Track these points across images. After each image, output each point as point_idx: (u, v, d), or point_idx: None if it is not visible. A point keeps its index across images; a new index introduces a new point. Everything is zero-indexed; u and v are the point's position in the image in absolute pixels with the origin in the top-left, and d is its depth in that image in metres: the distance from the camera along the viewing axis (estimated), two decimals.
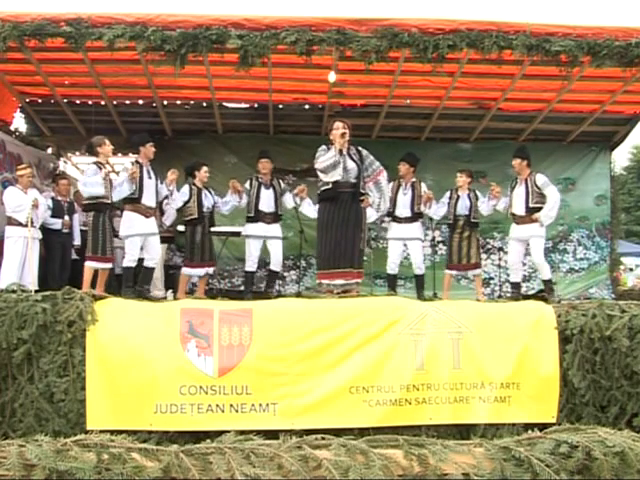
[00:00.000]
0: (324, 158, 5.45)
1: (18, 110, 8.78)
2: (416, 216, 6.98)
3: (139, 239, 6.07)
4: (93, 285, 5.80)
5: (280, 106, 8.83)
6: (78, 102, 8.66)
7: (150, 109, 8.76)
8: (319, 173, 5.52)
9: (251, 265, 6.87)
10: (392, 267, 6.95)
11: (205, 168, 6.85)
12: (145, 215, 6.09)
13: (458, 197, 7.04)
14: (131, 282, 6.12)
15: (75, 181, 10.28)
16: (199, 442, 2.89)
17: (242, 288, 8.53)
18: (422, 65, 6.24)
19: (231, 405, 4.35)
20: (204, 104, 8.76)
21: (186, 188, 6.66)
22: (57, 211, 7.25)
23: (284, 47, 5.84)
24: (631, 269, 16.61)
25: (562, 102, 8.35)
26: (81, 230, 8.01)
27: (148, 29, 5.65)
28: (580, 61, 6.06)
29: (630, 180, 26.25)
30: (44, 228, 6.93)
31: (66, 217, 7.40)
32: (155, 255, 6.27)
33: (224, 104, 8.81)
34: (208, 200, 6.79)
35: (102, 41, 5.70)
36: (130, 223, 6.04)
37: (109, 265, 6.02)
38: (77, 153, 10.51)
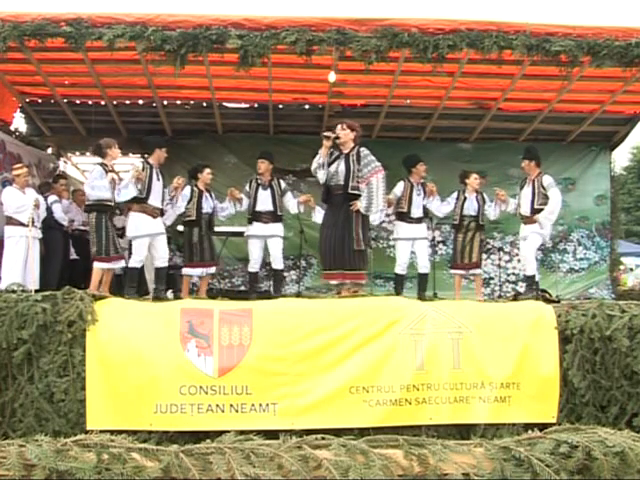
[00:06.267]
0: (313, 160, 5.75)
1: (18, 110, 8.77)
2: (425, 216, 7.07)
3: (147, 240, 6.08)
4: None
5: (280, 106, 8.82)
6: (78, 102, 8.65)
7: (150, 109, 8.75)
8: None
9: (253, 265, 6.90)
10: (403, 267, 6.95)
11: (208, 170, 6.86)
12: (152, 215, 6.11)
13: (465, 198, 7.03)
14: (135, 283, 6.13)
15: (75, 181, 10.31)
16: (199, 442, 2.90)
17: (242, 288, 8.55)
18: (422, 65, 6.23)
19: (231, 405, 4.35)
20: (204, 104, 8.75)
21: (187, 190, 6.66)
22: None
23: (284, 47, 5.84)
24: (631, 269, 16.59)
25: (562, 102, 8.34)
26: (81, 230, 8.03)
27: (148, 29, 5.65)
28: (580, 61, 6.06)
29: (630, 180, 26.22)
30: (48, 227, 6.96)
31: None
32: (164, 254, 6.29)
33: (224, 104, 8.80)
34: (208, 203, 6.78)
35: (102, 41, 5.69)
36: (138, 224, 6.04)
37: (118, 264, 6.04)
38: (77, 153, 10.52)
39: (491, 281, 9.19)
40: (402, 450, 2.82)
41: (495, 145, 9.44)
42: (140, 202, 6.03)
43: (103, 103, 8.53)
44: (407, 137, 9.39)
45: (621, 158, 25.36)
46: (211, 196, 6.91)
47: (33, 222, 6.26)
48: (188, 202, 6.63)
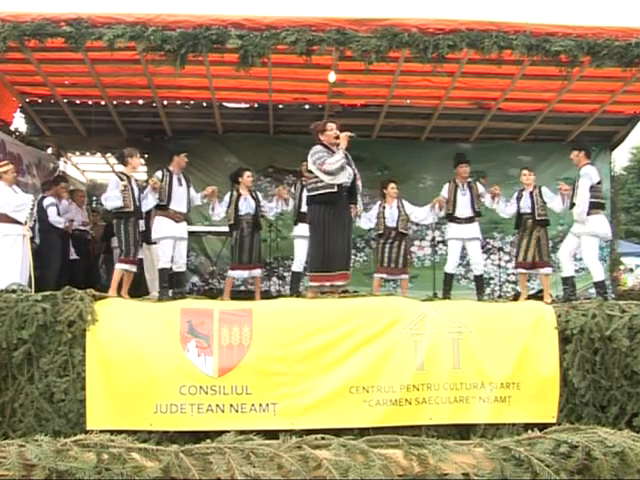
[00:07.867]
0: (333, 160, 5.36)
1: (18, 110, 8.77)
2: (476, 215, 6.97)
3: (171, 241, 6.22)
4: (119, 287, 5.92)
5: (280, 106, 8.82)
6: (78, 102, 8.65)
7: (150, 109, 8.75)
8: (323, 175, 5.38)
9: (299, 265, 6.89)
10: (452, 267, 6.94)
11: (248, 173, 6.80)
12: (175, 219, 6.25)
13: (522, 196, 6.82)
14: (167, 283, 6.24)
15: (75, 181, 10.31)
16: (199, 442, 2.90)
17: (242, 288, 8.54)
18: (422, 65, 6.23)
19: (231, 405, 4.36)
20: (204, 104, 8.75)
21: (227, 196, 6.69)
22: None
23: (284, 47, 5.84)
24: (631, 269, 16.56)
25: (562, 102, 8.33)
26: (80, 230, 8.03)
27: (148, 29, 5.65)
28: (580, 61, 6.05)
29: (630, 180, 26.17)
30: (45, 229, 6.92)
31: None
32: (180, 259, 6.40)
33: (224, 104, 8.80)
34: (248, 204, 6.65)
35: (102, 41, 5.69)
36: (161, 227, 6.23)
37: (135, 267, 6.15)
38: (77, 153, 10.52)
39: (491, 281, 9.19)
40: (402, 450, 2.82)
41: (495, 145, 9.43)
42: (162, 208, 6.24)
43: (103, 103, 8.53)
44: (407, 137, 9.40)
45: (621, 158, 25.32)
46: (255, 197, 6.79)
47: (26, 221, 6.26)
48: (228, 206, 6.62)
